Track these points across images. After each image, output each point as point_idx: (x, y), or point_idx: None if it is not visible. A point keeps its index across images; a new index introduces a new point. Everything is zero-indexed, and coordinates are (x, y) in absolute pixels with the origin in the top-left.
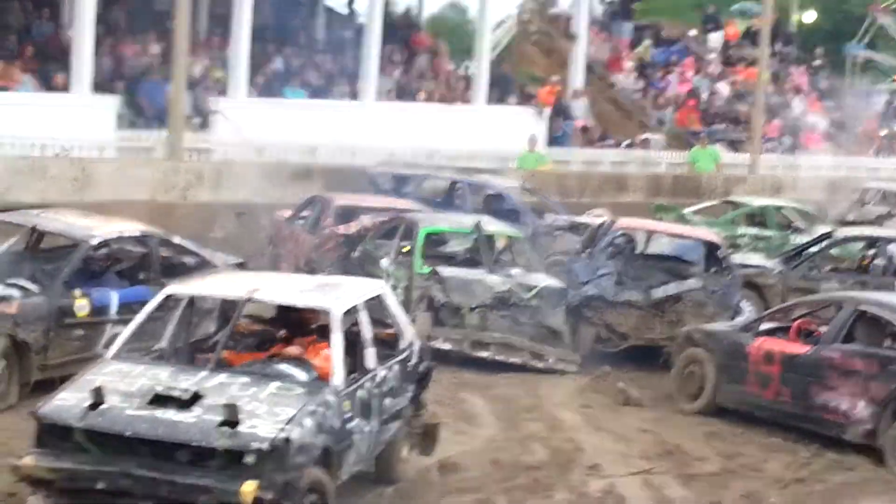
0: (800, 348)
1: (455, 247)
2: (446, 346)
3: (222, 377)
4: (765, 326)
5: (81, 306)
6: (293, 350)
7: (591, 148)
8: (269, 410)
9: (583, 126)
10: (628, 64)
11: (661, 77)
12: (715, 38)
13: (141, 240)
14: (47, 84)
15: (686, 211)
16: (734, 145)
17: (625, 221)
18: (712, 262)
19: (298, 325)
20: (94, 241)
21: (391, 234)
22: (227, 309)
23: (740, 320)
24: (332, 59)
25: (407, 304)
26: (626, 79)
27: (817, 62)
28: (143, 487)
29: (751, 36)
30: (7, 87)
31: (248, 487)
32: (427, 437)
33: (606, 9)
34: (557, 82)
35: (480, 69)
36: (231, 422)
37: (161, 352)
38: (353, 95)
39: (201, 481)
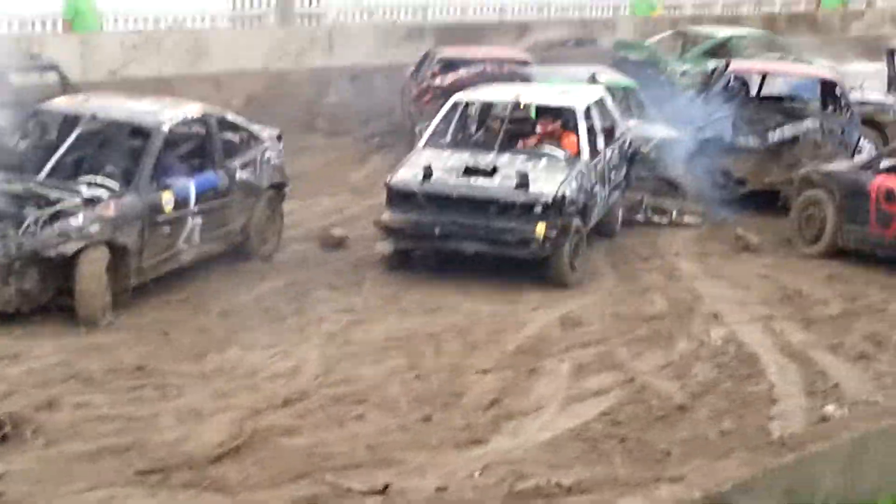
0: None
1: None
2: None
3: (507, 156)
4: (886, 164)
5: (168, 201)
6: (549, 137)
7: None
8: (545, 177)
9: None
10: None
11: None
12: None
13: (202, 121)
14: None
15: (648, 43)
16: None
17: (738, 64)
18: (829, 100)
19: (545, 120)
20: (165, 128)
21: None
22: (496, 109)
23: (860, 159)
24: None
25: None
26: None
27: None
28: (466, 231)
29: None
30: None
31: (540, 227)
32: (635, 207)
33: None
34: None
35: None
36: (523, 184)
37: (453, 141)
38: None
39: (507, 225)
